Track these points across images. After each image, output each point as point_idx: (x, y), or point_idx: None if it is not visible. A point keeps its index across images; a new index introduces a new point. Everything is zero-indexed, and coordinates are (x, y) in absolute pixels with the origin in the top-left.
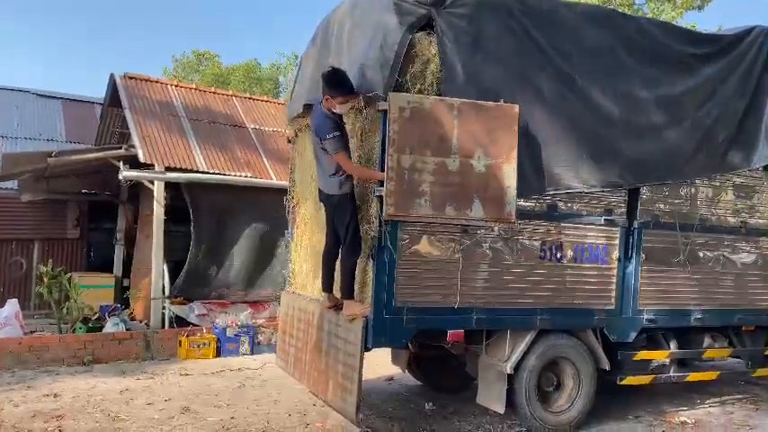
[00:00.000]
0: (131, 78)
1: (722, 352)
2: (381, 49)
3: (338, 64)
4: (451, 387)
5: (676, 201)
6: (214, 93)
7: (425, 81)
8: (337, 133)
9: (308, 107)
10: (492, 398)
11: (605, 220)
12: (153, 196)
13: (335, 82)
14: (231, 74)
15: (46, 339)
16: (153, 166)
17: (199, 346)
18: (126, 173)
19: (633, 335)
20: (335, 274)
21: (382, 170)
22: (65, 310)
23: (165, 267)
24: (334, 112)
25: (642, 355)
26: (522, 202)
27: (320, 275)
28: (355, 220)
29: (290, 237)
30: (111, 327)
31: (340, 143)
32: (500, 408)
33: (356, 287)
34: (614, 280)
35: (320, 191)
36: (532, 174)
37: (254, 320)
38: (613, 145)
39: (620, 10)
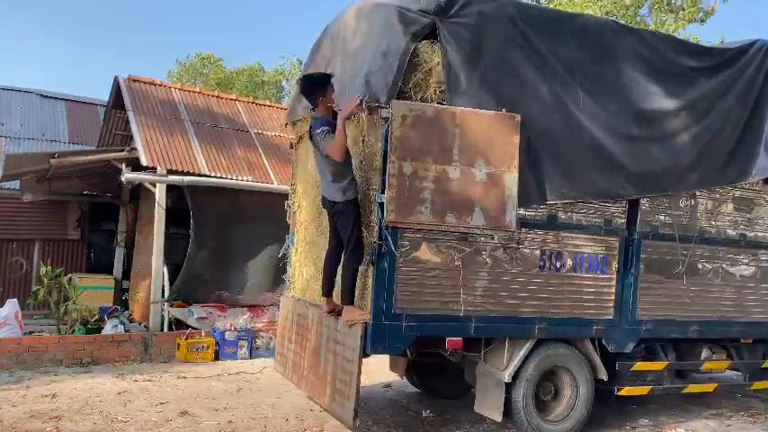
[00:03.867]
0: (135, 81)
1: (720, 364)
2: (385, 57)
3: (342, 72)
4: (449, 394)
5: (676, 212)
6: (217, 96)
7: (428, 89)
8: (326, 128)
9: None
10: (489, 406)
11: (605, 230)
12: (154, 199)
13: (315, 86)
14: (235, 77)
15: (45, 340)
16: (155, 168)
17: (197, 350)
18: (128, 175)
19: (631, 345)
20: (336, 280)
21: (384, 179)
22: (63, 311)
23: (165, 270)
24: (324, 115)
25: (640, 365)
26: (522, 211)
27: (320, 280)
28: (359, 227)
29: (290, 241)
30: (109, 328)
31: (329, 135)
32: (497, 416)
33: (356, 293)
34: (613, 290)
35: (323, 198)
36: (533, 183)
37: (252, 324)
38: (614, 156)
39: (622, 21)
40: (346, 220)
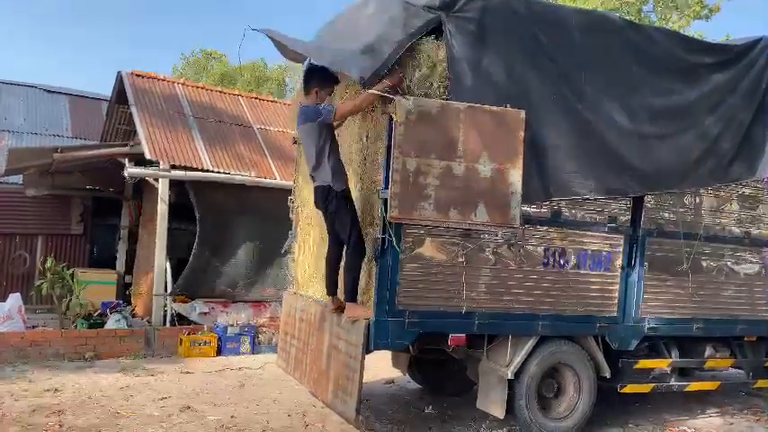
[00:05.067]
0: (138, 76)
1: (724, 362)
2: (380, 39)
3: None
4: (452, 391)
5: (681, 210)
6: (221, 92)
7: (432, 85)
8: (328, 106)
9: None
10: (492, 403)
11: (609, 227)
12: (157, 194)
13: (317, 76)
14: (238, 73)
15: (48, 334)
16: (158, 163)
17: (199, 345)
18: (131, 170)
19: (635, 343)
20: (339, 278)
21: (387, 174)
22: (66, 306)
23: (168, 265)
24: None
25: (643, 363)
26: (526, 208)
27: (324, 278)
28: (356, 222)
29: (293, 237)
30: (112, 323)
31: (329, 108)
32: (500, 413)
33: (359, 289)
34: (617, 287)
35: (317, 192)
36: (538, 180)
37: (255, 320)
38: (620, 153)
39: (627, 18)
40: (344, 219)
